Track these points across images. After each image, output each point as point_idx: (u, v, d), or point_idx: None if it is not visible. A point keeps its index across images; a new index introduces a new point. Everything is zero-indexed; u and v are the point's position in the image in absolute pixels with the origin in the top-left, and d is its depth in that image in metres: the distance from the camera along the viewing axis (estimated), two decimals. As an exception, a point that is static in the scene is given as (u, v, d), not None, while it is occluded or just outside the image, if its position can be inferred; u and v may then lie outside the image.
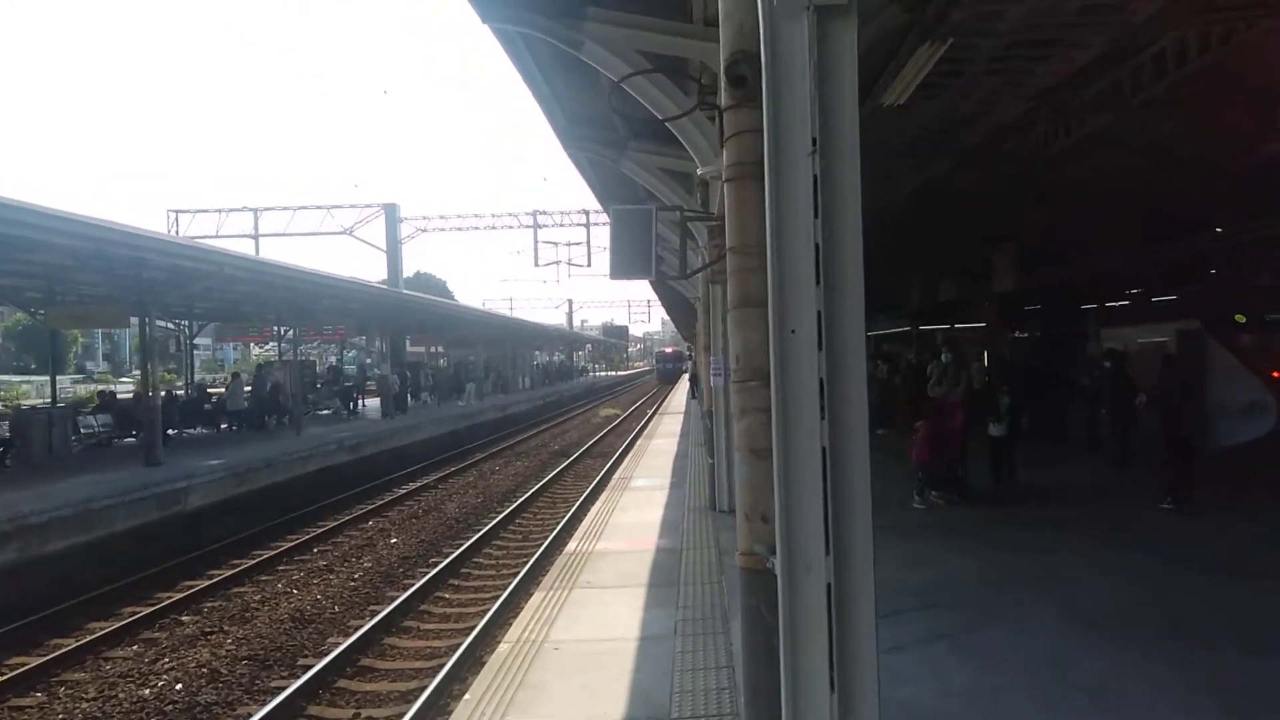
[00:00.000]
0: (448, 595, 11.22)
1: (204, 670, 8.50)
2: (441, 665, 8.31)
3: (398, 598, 10.73)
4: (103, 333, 77.94)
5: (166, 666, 8.67)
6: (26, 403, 34.63)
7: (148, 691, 8.04)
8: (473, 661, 8.39)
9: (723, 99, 2.86)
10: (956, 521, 10.07)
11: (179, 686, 8.13)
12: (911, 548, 8.35)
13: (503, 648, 6.18)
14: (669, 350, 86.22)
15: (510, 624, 7.60)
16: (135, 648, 9.38)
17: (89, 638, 9.64)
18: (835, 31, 2.31)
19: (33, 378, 54.48)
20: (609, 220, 8.20)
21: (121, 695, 8.01)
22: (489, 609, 9.99)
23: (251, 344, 49.79)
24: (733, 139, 2.83)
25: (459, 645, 8.81)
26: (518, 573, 11.55)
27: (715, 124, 6.47)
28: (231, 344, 69.51)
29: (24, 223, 12.18)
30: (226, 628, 9.86)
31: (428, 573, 11.92)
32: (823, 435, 2.32)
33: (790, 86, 2.32)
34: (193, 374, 31.06)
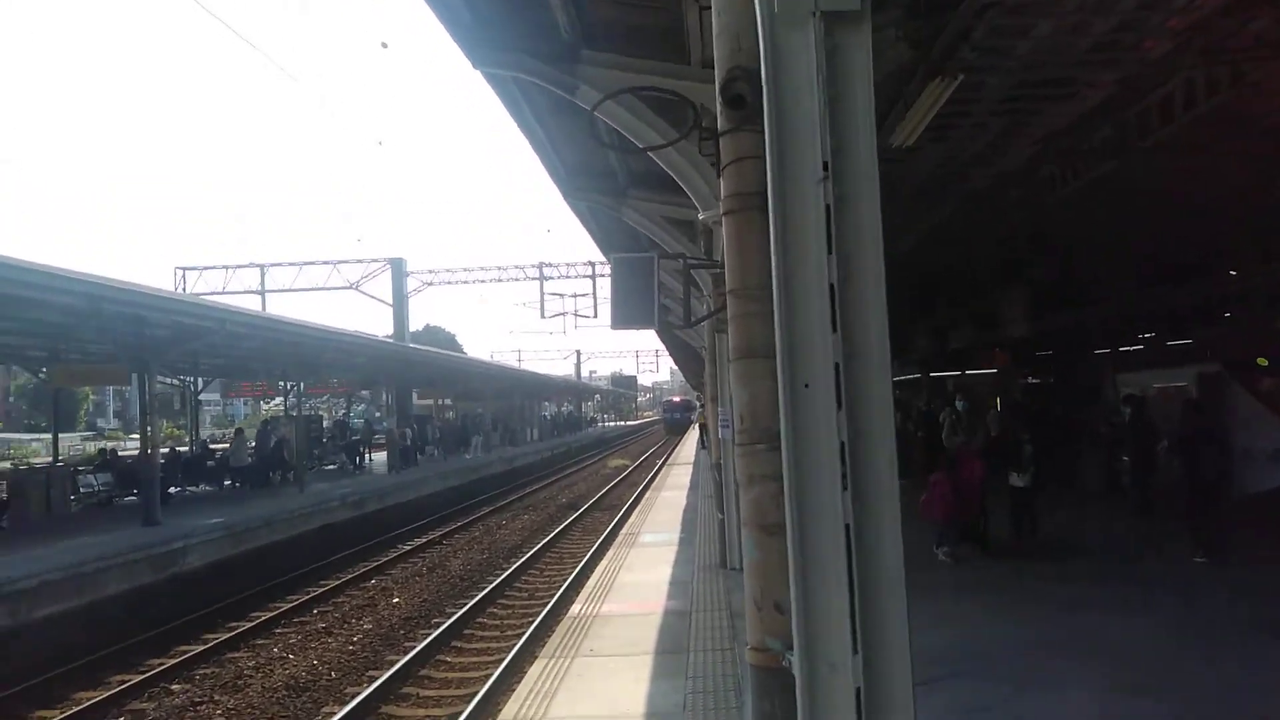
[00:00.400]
0: (449, 659, 10.76)
1: (189, 746, 8.05)
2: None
3: (397, 662, 10.28)
4: (113, 390, 78.07)
5: (151, 742, 8.23)
6: (38, 461, 34.43)
7: (129, 771, 7.60)
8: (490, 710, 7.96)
9: (720, 122, 2.58)
10: (979, 578, 9.61)
11: (162, 764, 7.69)
12: (933, 606, 7.88)
13: (498, 727, 5.72)
14: (677, 399, 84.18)
15: (508, 696, 7.16)
16: (121, 720, 8.95)
17: (74, 709, 9.22)
18: (846, 41, 2.03)
19: (43, 436, 54.44)
20: (609, 269, 7.99)
21: (101, 775, 7.57)
22: (491, 674, 9.55)
23: (260, 399, 49.66)
24: (731, 167, 2.53)
25: (459, 714, 8.38)
26: (522, 633, 11.12)
27: (714, 166, 6.30)
28: (241, 399, 69.55)
29: (21, 281, 12.08)
30: (217, 697, 9.42)
31: (429, 634, 11.48)
32: (845, 509, 2.00)
33: (796, 103, 2.04)
34: (197, 430, 30.83)
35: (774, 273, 2.09)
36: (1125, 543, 11.33)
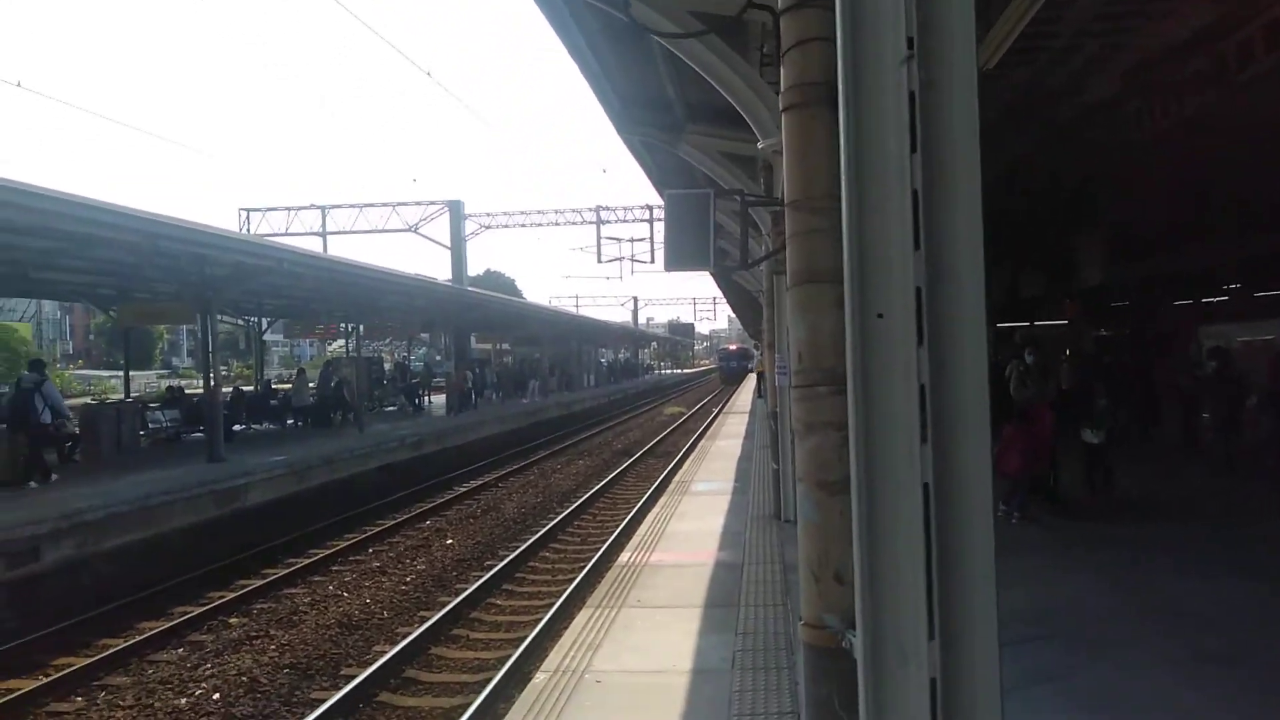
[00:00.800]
0: (500, 602, 10.76)
1: (244, 679, 8.17)
2: (488, 680, 7.85)
3: (448, 604, 10.32)
4: (187, 329, 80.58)
5: (207, 673, 8.38)
6: (113, 397, 35.74)
7: (184, 701, 7.75)
8: (520, 678, 7.91)
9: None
10: (1051, 538, 9.15)
11: (216, 696, 7.82)
12: (1002, 565, 7.51)
13: (539, 678, 5.57)
14: (733, 347, 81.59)
15: (554, 643, 7.04)
16: (180, 650, 9.14)
17: (137, 638, 9.46)
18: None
19: (120, 373, 56.53)
20: (664, 207, 7.60)
21: (158, 704, 7.73)
22: (540, 618, 9.51)
23: (325, 341, 50.63)
24: (793, 52, 2.11)
25: (508, 657, 8.34)
26: (572, 578, 11.08)
27: (776, 89, 5.83)
28: (308, 341, 71.11)
29: (85, 219, 12.21)
30: (272, 632, 9.57)
31: (481, 577, 11.51)
32: (923, 465, 1.66)
33: (873, -35, 1.62)
34: (262, 370, 31.53)
35: (843, 178, 1.72)
36: (1208, 502, 10.70)
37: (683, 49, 5.37)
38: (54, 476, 14.18)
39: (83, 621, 9.98)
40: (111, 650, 9.05)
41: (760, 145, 5.83)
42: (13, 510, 11.14)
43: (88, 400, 24.28)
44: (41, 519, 10.74)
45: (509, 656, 8.39)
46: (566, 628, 7.09)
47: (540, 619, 9.47)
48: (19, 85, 22.67)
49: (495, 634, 9.61)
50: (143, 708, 7.69)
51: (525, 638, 8.90)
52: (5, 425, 14.35)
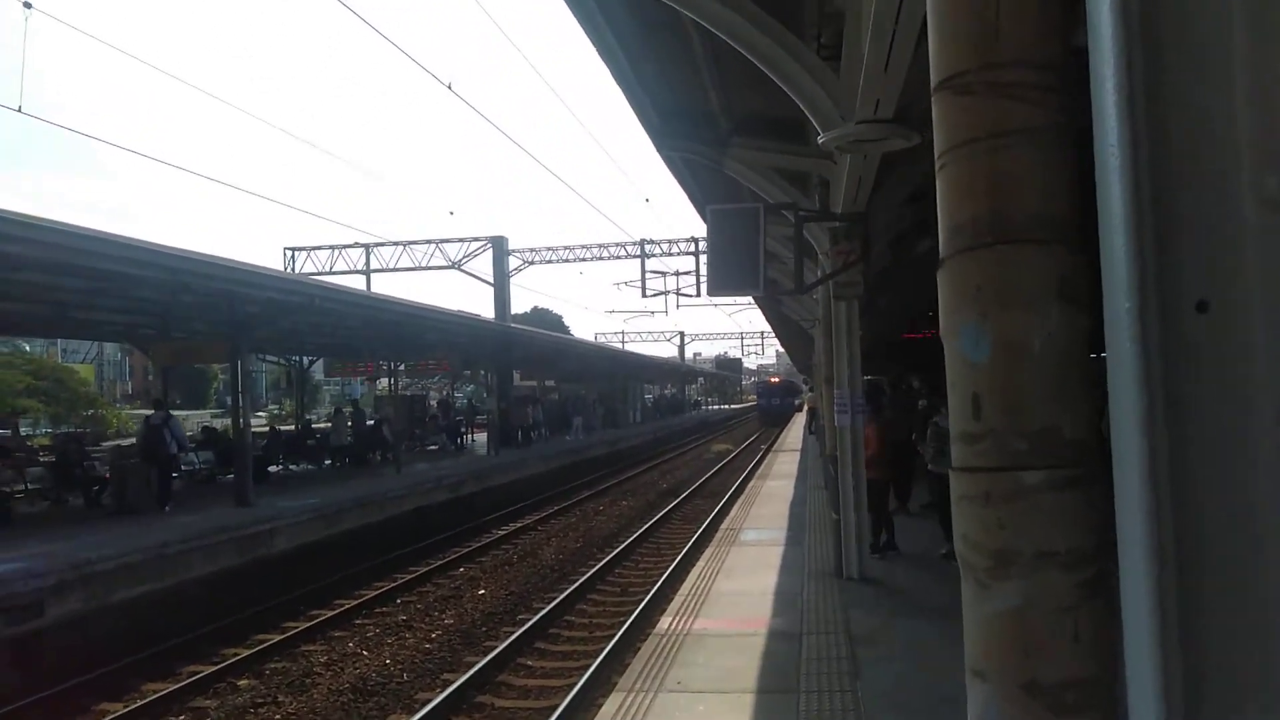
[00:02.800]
0: (530, 663, 9.83)
1: (241, 757, 7.34)
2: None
3: (475, 663, 9.43)
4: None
5: (203, 749, 7.57)
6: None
7: (171, 784, 6.94)
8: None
9: None
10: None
11: (207, 779, 6.99)
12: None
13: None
14: (775, 380, 65.56)
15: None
16: (181, 719, 8.37)
17: (139, 702, 8.74)
18: None
19: (176, 412, 57.26)
20: (706, 225, 6.74)
21: (143, 787, 6.93)
22: (575, 683, 8.56)
23: (373, 379, 50.65)
24: None
25: (536, 732, 7.41)
26: (612, 634, 10.13)
27: (834, 66, 4.92)
28: (358, 379, 71.48)
29: (113, 256, 11.84)
30: (280, 698, 8.76)
31: (512, 633, 10.60)
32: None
33: None
34: (302, 409, 31.26)
35: None
36: None
37: (724, 26, 4.49)
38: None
39: (85, 683, 9.29)
40: (109, 718, 8.33)
41: (821, 139, 4.93)
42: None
43: (119, 443, 24.02)
44: (48, 570, 10.14)
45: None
46: (596, 714, 6.10)
47: (574, 684, 8.53)
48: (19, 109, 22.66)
49: (523, 701, 8.67)
50: (126, 791, 6.89)
51: (558, 705, 7.97)
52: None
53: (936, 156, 1.22)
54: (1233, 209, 0.85)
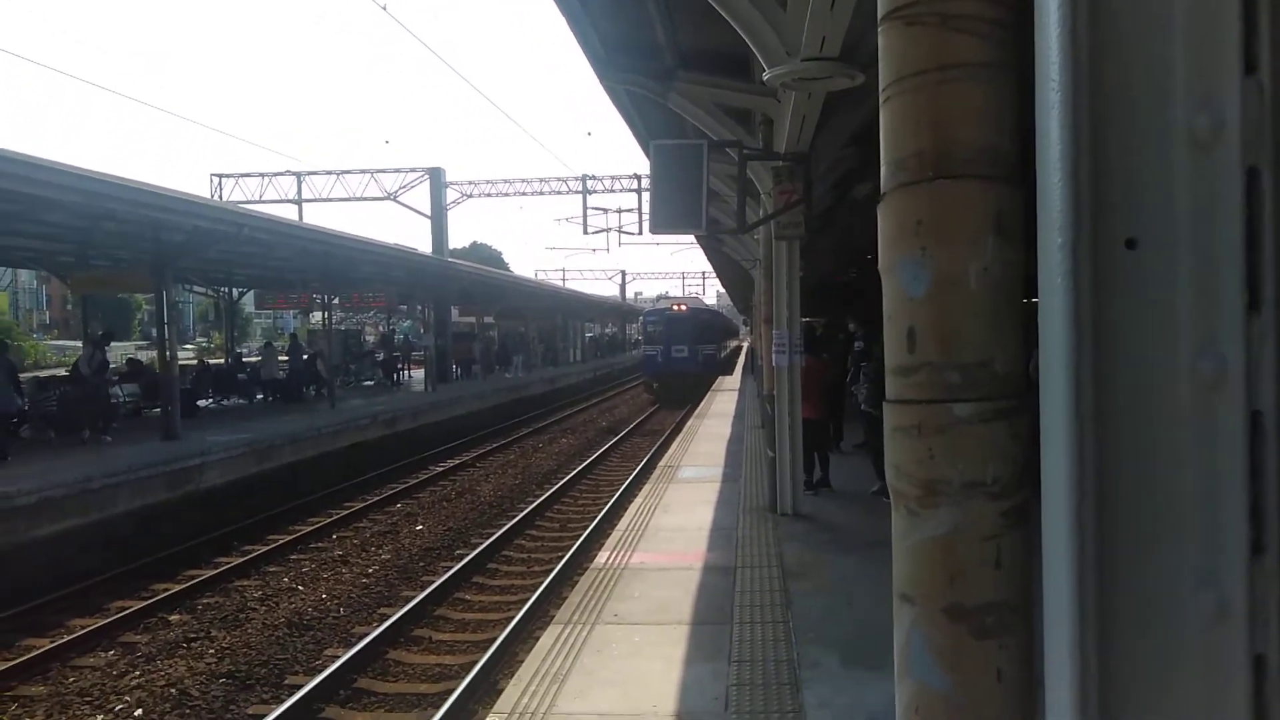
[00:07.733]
0: (469, 597, 9.92)
1: (173, 691, 7.27)
2: (450, 690, 7.03)
3: (412, 598, 9.47)
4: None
5: (134, 683, 7.49)
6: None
7: (100, 718, 6.86)
8: (487, 689, 7.08)
9: None
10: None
11: (139, 712, 6.93)
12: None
13: (491, 723, 4.63)
14: (680, 310, 36.04)
15: (528, 652, 6.17)
16: (111, 654, 8.25)
17: (67, 637, 8.58)
18: None
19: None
20: (650, 161, 6.66)
21: (70, 721, 6.85)
22: (513, 616, 8.68)
23: (305, 312, 49.36)
24: None
25: (475, 663, 7.51)
26: (550, 568, 10.28)
27: (784, 6, 4.84)
28: (291, 312, 69.48)
29: (25, 178, 11.16)
30: (214, 633, 8.67)
31: (450, 568, 10.67)
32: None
33: None
34: (232, 342, 30.39)
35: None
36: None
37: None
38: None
39: (3, 619, 9.07)
40: (37, 651, 8.16)
41: (767, 75, 4.88)
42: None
43: (36, 375, 23.09)
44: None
45: (475, 662, 7.57)
46: (534, 644, 6.20)
47: (512, 617, 8.66)
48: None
49: (461, 635, 8.77)
50: (52, 726, 6.81)
51: (495, 639, 8.09)
52: None
53: (881, 89, 1.21)
54: (1164, 148, 0.87)
